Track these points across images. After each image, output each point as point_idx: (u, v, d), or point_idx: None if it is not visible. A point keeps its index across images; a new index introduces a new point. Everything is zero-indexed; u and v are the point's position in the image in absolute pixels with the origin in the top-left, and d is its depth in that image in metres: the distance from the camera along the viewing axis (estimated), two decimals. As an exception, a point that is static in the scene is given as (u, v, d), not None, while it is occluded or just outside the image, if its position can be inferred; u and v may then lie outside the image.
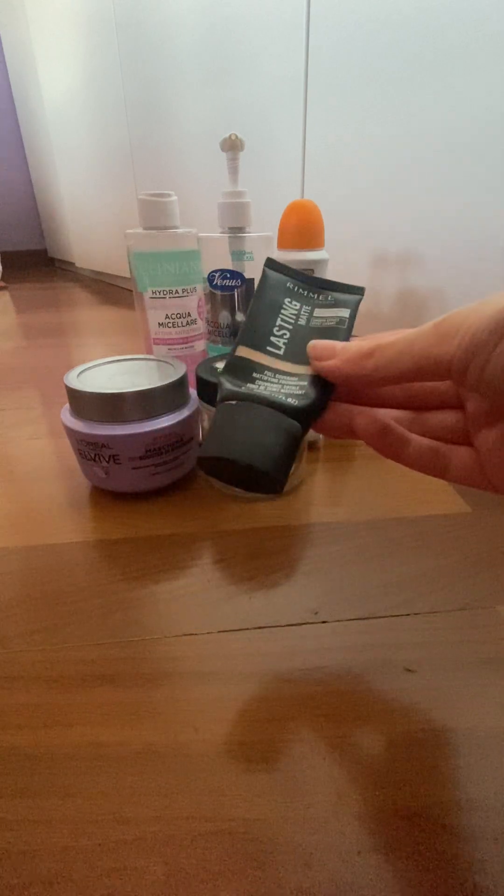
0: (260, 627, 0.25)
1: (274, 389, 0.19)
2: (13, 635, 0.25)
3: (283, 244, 0.42)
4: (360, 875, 0.16)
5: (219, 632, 0.25)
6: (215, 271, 0.42)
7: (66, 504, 0.37)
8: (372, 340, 0.17)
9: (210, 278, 0.42)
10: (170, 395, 0.34)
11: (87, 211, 1.46)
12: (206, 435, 0.18)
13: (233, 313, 0.43)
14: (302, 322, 0.22)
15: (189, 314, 0.43)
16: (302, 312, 0.22)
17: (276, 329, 0.21)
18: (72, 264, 1.90)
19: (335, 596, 0.27)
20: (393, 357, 0.16)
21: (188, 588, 0.28)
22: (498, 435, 0.17)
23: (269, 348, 0.21)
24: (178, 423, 0.34)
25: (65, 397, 0.59)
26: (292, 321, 0.22)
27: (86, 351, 0.80)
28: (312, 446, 0.44)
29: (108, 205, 1.32)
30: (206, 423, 0.36)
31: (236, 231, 0.41)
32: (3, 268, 1.96)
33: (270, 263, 0.23)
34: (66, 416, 0.35)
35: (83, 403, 0.33)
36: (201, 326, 0.45)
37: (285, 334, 0.21)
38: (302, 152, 0.63)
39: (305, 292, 0.23)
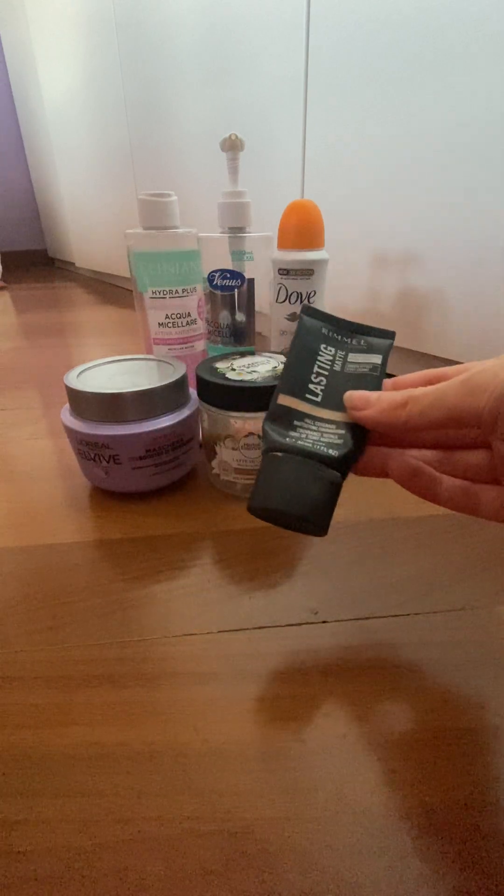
0: (260, 627, 0.25)
1: (314, 438, 0.20)
2: (13, 635, 0.25)
3: (283, 244, 0.42)
4: (360, 875, 0.16)
5: (219, 632, 0.25)
6: (215, 271, 0.42)
7: (66, 504, 0.37)
8: (405, 392, 0.18)
9: (210, 278, 0.42)
10: (170, 395, 0.34)
11: (87, 211, 1.46)
12: (255, 483, 0.20)
13: (233, 313, 0.43)
14: (337, 368, 0.23)
15: (189, 314, 0.43)
16: (337, 358, 0.23)
17: (313, 376, 0.23)
18: (72, 264, 1.90)
19: (335, 596, 0.27)
20: (425, 409, 0.17)
21: (188, 588, 0.28)
22: None
23: (307, 396, 0.22)
24: (178, 423, 0.34)
25: (65, 397, 0.59)
26: (328, 367, 0.23)
27: (86, 351, 0.80)
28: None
29: (108, 205, 1.32)
30: (206, 424, 0.36)
31: (236, 231, 0.41)
32: (3, 268, 1.96)
33: (306, 310, 0.25)
34: (66, 416, 0.35)
35: (83, 403, 0.33)
36: (201, 326, 0.45)
37: (322, 381, 0.23)
38: (302, 152, 0.63)
39: (339, 336, 0.24)
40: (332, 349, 0.24)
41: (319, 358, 0.23)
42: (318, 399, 0.22)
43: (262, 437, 0.21)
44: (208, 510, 0.35)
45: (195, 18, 0.75)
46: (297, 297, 0.42)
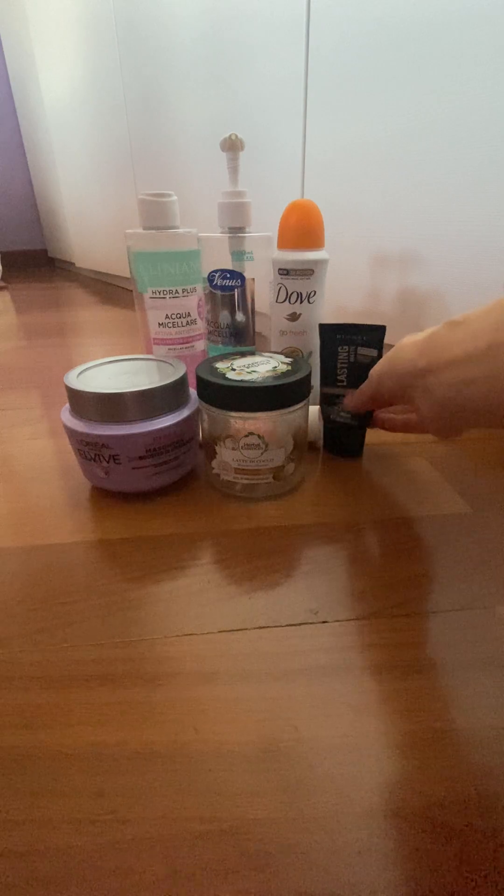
0: (260, 627, 0.25)
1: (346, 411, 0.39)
2: (13, 635, 0.25)
3: (283, 244, 0.42)
4: (360, 875, 0.16)
5: (219, 632, 0.25)
6: (215, 271, 0.42)
7: (66, 504, 0.37)
8: (356, 390, 0.36)
9: (210, 278, 0.42)
10: (170, 395, 0.34)
11: (87, 211, 1.46)
12: (324, 437, 0.43)
13: (233, 313, 0.43)
14: (352, 359, 0.38)
15: (189, 314, 0.43)
16: (350, 352, 0.37)
17: (338, 370, 0.38)
18: (72, 264, 1.90)
19: (335, 596, 0.27)
20: (361, 399, 0.35)
21: (188, 588, 0.28)
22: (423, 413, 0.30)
23: (337, 384, 0.39)
24: (178, 423, 0.34)
25: (65, 397, 0.59)
26: (346, 361, 0.38)
27: (86, 351, 0.80)
28: (312, 446, 0.44)
29: (108, 205, 1.32)
30: (206, 424, 0.36)
31: (236, 231, 0.41)
32: (3, 268, 1.96)
33: (321, 326, 0.38)
34: (66, 416, 0.35)
35: (83, 403, 0.33)
36: (201, 326, 0.45)
37: (345, 370, 0.38)
38: (302, 152, 0.63)
39: (349, 336, 0.37)
40: (346, 347, 0.37)
41: (339, 356, 0.38)
42: (345, 383, 0.39)
43: (321, 412, 0.41)
44: (208, 510, 0.35)
45: (195, 18, 0.75)
46: (297, 297, 0.42)
